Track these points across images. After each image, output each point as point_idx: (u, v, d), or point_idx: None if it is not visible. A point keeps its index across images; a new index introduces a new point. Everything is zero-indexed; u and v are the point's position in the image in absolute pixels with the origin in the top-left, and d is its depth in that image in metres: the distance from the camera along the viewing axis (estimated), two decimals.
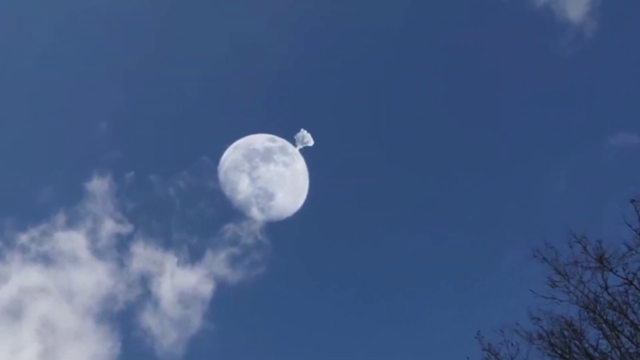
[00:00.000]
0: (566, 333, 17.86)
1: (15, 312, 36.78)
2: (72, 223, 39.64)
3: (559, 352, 17.75)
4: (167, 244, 39.83)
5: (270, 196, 33.20)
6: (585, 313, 17.89)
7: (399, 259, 39.54)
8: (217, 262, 38.60)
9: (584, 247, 18.44)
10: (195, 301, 38.18)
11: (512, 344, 18.18)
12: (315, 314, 39.30)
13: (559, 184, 36.96)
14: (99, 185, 40.18)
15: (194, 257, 39.12)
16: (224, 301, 38.77)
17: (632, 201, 18.14)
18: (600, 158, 35.10)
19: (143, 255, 39.33)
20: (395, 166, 40.34)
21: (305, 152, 33.54)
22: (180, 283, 38.60)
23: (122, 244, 39.66)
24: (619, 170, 33.39)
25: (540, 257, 18.90)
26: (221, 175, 33.97)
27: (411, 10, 40.05)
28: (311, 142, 32.96)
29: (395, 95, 40.86)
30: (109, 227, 39.66)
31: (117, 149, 42.35)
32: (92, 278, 38.56)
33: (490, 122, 39.19)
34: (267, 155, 32.73)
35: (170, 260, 39.30)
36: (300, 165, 33.17)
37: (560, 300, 18.34)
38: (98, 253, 39.31)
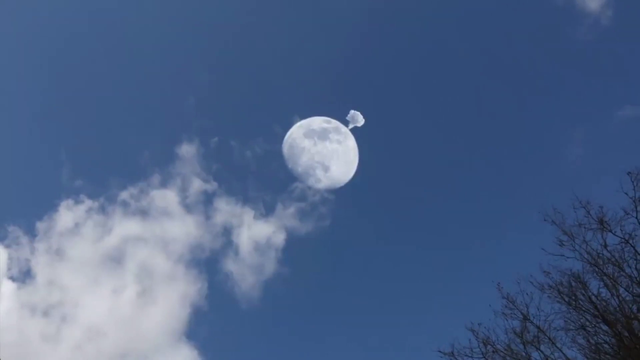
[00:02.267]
0: (573, 284, 19.99)
1: (117, 259, 42.23)
2: (165, 182, 44.91)
3: (566, 299, 19.92)
4: (245, 200, 44.99)
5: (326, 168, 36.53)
6: (589, 267, 20.05)
7: (437, 219, 45.02)
8: (287, 215, 43.19)
9: (588, 211, 20.55)
10: (269, 249, 42.86)
11: (527, 293, 20.34)
12: (371, 261, 44.23)
13: (568, 153, 41.75)
14: (188, 149, 44.87)
15: (267, 211, 44.21)
16: (294, 249, 43.05)
17: (629, 173, 20.38)
18: (607, 129, 39.03)
19: (225, 209, 44.01)
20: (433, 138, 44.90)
21: (355, 131, 37.03)
22: (256, 234, 43.36)
23: (207, 200, 44.36)
24: (623, 141, 37.46)
25: (550, 220, 21.05)
26: (285, 150, 37.29)
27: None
28: (361, 122, 36.24)
29: (434, 74, 45.72)
30: (197, 185, 44.35)
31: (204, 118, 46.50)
32: (182, 229, 43.89)
33: (513, 95, 43.37)
34: (323, 134, 36.24)
35: (247, 214, 44.44)
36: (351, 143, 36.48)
37: (567, 257, 20.47)
38: (187, 208, 44.30)
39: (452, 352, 20.13)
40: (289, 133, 37.61)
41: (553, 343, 19.42)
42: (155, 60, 49.11)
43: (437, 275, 39.89)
